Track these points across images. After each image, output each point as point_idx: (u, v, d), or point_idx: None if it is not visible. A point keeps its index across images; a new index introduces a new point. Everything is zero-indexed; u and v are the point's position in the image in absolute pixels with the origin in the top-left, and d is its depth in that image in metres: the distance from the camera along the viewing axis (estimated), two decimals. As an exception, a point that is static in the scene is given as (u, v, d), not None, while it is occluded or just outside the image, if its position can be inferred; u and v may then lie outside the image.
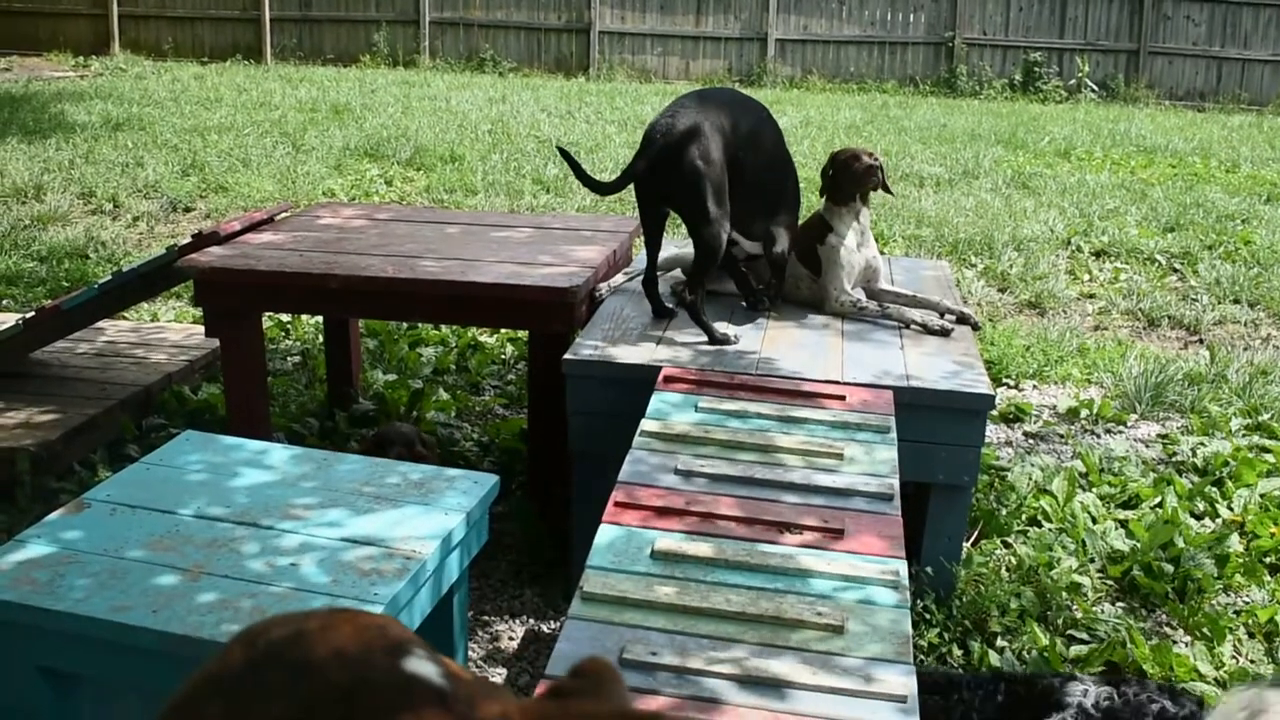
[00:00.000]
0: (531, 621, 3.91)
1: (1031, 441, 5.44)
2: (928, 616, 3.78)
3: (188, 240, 4.70)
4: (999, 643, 3.71)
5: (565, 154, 4.12)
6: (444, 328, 6.48)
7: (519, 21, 18.66)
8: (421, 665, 1.25)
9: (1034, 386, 6.12)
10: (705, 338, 4.04)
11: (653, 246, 4.23)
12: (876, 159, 4.36)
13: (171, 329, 6.11)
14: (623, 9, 18.37)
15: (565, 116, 13.83)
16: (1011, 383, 6.12)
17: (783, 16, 18.13)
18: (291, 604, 2.52)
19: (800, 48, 18.27)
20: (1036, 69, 17.66)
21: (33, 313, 5.08)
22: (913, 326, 4.25)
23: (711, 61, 18.39)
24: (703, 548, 2.71)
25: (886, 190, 4.45)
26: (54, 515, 2.88)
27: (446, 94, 15.35)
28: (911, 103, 16.42)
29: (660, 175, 3.95)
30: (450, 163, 10.77)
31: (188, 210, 9.22)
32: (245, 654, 1.31)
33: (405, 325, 6.48)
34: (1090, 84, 17.56)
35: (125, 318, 6.37)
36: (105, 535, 2.78)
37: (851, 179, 4.34)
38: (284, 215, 5.21)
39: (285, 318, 6.62)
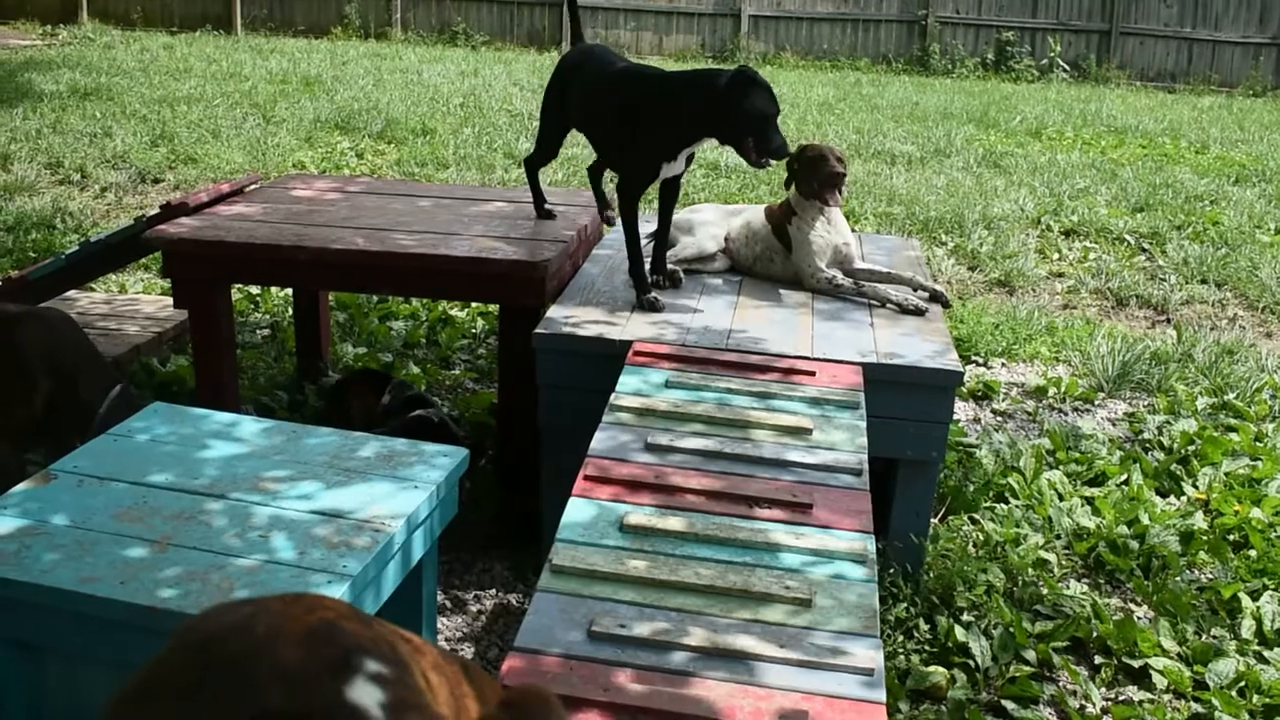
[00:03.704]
0: (501, 595, 3.91)
1: (999, 419, 5.47)
2: (895, 591, 3.80)
3: (156, 211, 4.67)
4: (965, 618, 3.73)
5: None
6: (414, 301, 6.46)
7: (492, -6, 18.57)
8: (365, 694, 1.23)
9: (1003, 364, 6.16)
10: (681, 313, 4.09)
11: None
12: (844, 166, 4.35)
13: (144, 300, 6.06)
14: (596, -17, 18.31)
15: (537, 90, 13.76)
16: (980, 360, 6.16)
17: (756, -8, 18.11)
18: (260, 577, 2.51)
19: (774, 24, 18.25)
20: (1009, 48, 17.70)
21: (-1, 282, 5.03)
22: (889, 305, 4.26)
23: (685, 37, 18.35)
24: (673, 522, 2.72)
25: (835, 204, 4.41)
26: (21, 486, 2.86)
27: (418, 67, 15.27)
28: (884, 80, 16.43)
29: None
30: (421, 136, 10.73)
31: (156, 181, 9.14)
32: (189, 658, 1.29)
33: (375, 299, 6.45)
34: (1062, 64, 17.61)
35: (93, 289, 6.32)
36: (73, 506, 2.76)
37: (815, 179, 4.34)
38: (254, 187, 5.18)
39: (255, 290, 6.58)
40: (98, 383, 3.92)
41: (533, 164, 4.76)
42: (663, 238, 4.35)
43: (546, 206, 4.77)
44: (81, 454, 3.08)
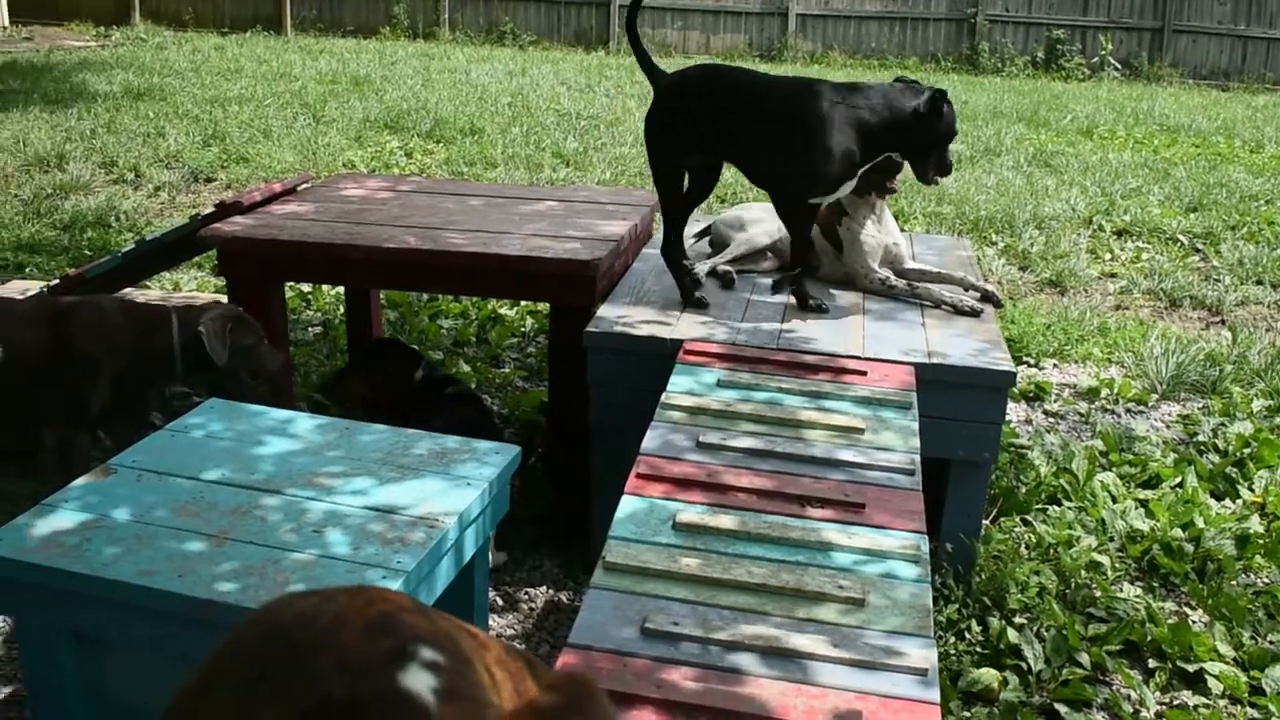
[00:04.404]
0: (551, 592, 3.93)
1: (1051, 420, 5.43)
2: (946, 592, 3.78)
3: (210, 210, 4.72)
4: (1017, 620, 3.71)
5: None
6: (464, 300, 6.49)
7: (539, -6, 18.64)
8: (419, 680, 1.25)
9: (1054, 365, 6.11)
10: (731, 311, 4.10)
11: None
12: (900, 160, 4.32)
13: (198, 298, 6.12)
14: (643, -18, 18.30)
15: (585, 90, 13.81)
16: (1032, 361, 6.11)
17: (804, -9, 18.06)
18: (315, 571, 2.53)
19: (821, 22, 18.20)
20: (1059, 46, 17.56)
21: (57, 280, 5.09)
22: (943, 306, 4.23)
23: (732, 36, 18.33)
24: (725, 520, 2.72)
25: (894, 188, 4.41)
26: (81, 481, 2.90)
27: (466, 66, 15.34)
28: (933, 79, 16.31)
29: None
30: (470, 135, 10.77)
31: (209, 180, 9.24)
32: (256, 644, 1.33)
33: (425, 297, 6.49)
34: (1113, 62, 17.45)
35: (148, 286, 6.39)
36: (132, 501, 2.79)
37: (872, 178, 4.30)
38: (305, 186, 5.22)
39: (306, 288, 6.63)
40: (162, 361, 3.98)
41: (670, 244, 4.22)
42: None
43: (699, 294, 4.23)
44: (139, 449, 3.12)
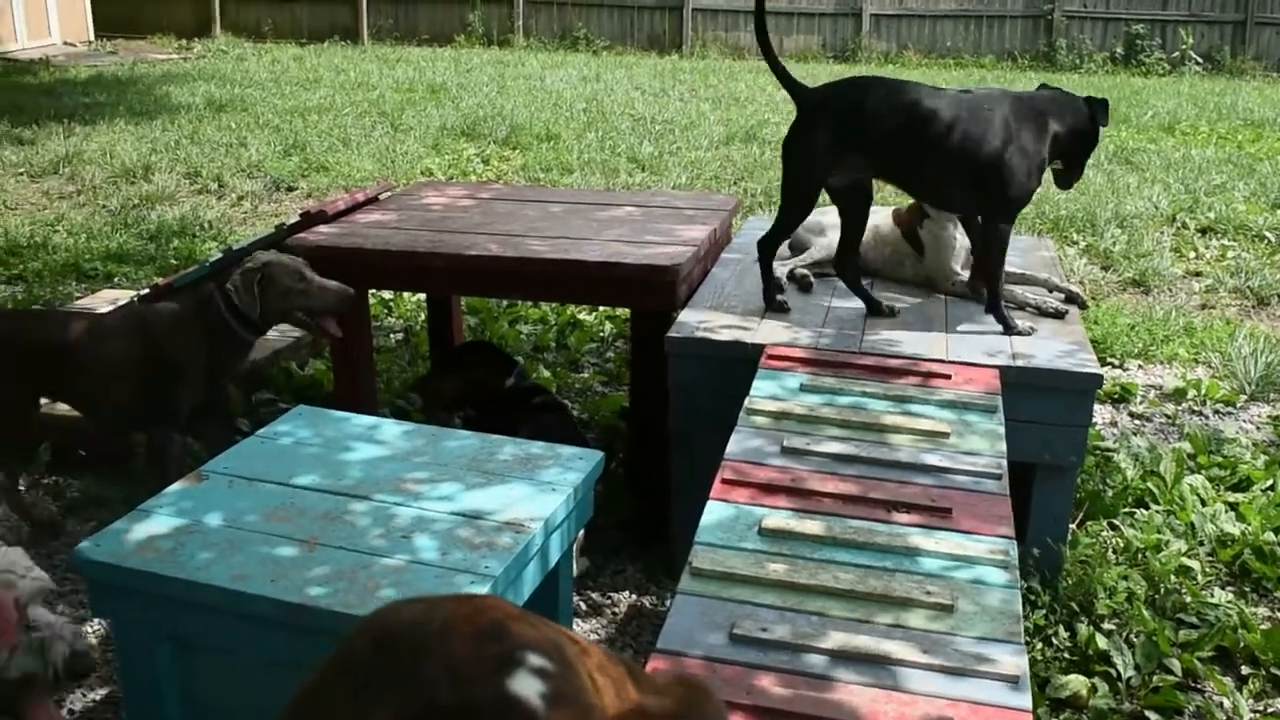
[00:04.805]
0: (634, 596, 3.94)
1: (1137, 422, 5.36)
2: (1033, 598, 3.74)
3: (295, 219, 4.79)
4: (1106, 626, 3.66)
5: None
6: (543, 305, 6.53)
7: (612, 0, 18.68)
8: (526, 685, 1.27)
9: (1139, 366, 6.02)
10: (813, 315, 4.08)
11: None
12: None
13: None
14: (716, -15, 18.32)
15: (659, 94, 13.84)
16: (1116, 362, 6.03)
17: (878, -9, 17.96)
18: (405, 576, 2.56)
19: (895, 22, 18.09)
20: (1139, 41, 17.31)
21: (147, 290, 5.20)
22: (1026, 308, 4.19)
23: (805, 37, 18.27)
24: (811, 525, 2.72)
25: None
26: (175, 486, 2.96)
27: (541, 73, 15.43)
28: (1010, 77, 16.16)
29: None
30: (546, 141, 10.83)
31: (290, 189, 9.38)
32: (366, 651, 1.36)
33: (505, 302, 6.54)
34: (1194, 56, 17.17)
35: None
36: (224, 506, 2.85)
37: None
38: (388, 194, 5.28)
39: (388, 295, 6.71)
40: (226, 342, 4.01)
41: (773, 242, 4.17)
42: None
43: (780, 298, 4.19)
44: (230, 455, 3.18)
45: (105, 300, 6.01)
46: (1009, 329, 3.95)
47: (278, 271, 3.90)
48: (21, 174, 9.81)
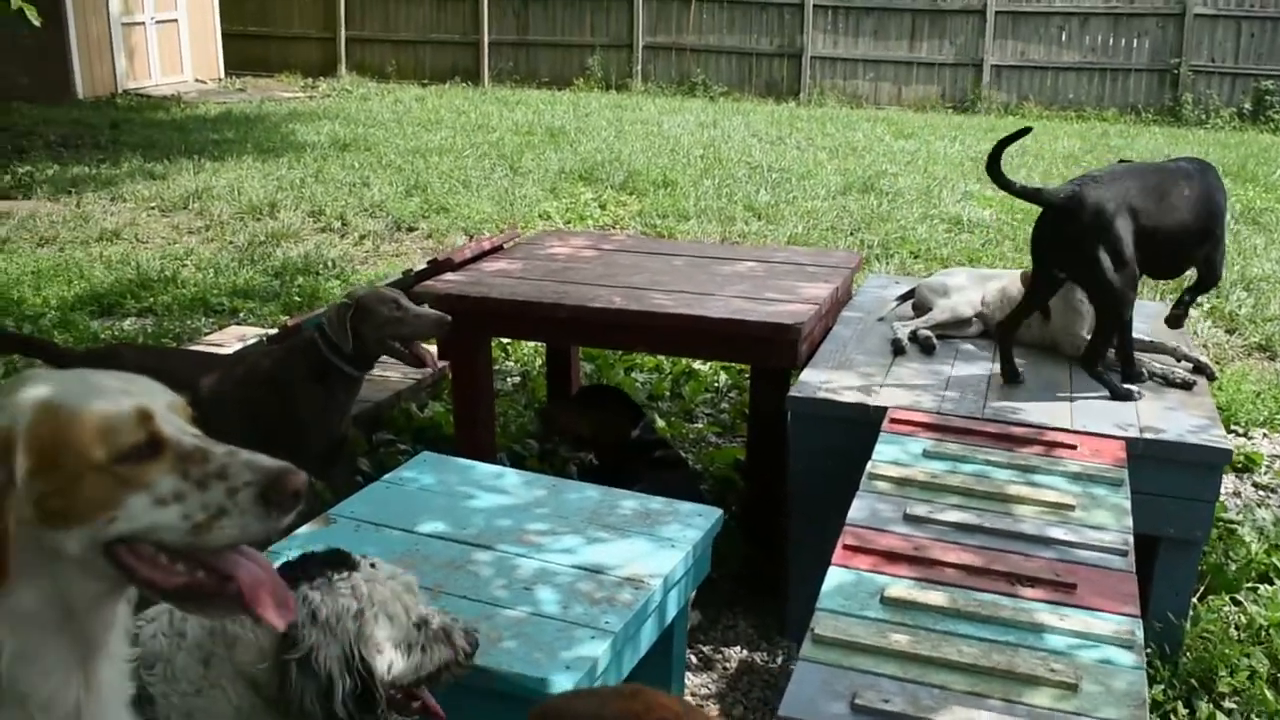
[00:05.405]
0: (745, 652, 3.94)
1: (1262, 494, 5.23)
2: (1152, 672, 3.67)
3: (422, 266, 4.90)
4: (1227, 704, 3.58)
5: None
6: (659, 355, 6.56)
7: (730, 46, 18.80)
8: None
9: (1264, 435, 5.88)
10: (935, 378, 4.05)
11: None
12: None
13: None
14: (835, 33, 18.33)
15: (776, 142, 13.87)
16: (1241, 430, 5.90)
17: (999, 42, 17.81)
18: (526, 629, 2.60)
19: (1016, 73, 17.92)
20: (1268, 98, 16.92)
21: (275, 330, 5.35)
22: (1154, 378, 4.13)
23: (924, 87, 18.19)
24: (934, 596, 2.71)
25: None
26: (303, 529, 3.04)
27: (658, 118, 15.55)
28: (1133, 132, 15.92)
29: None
30: (663, 187, 10.91)
31: (410, 230, 9.56)
32: None
33: (621, 351, 6.59)
34: (1326, 114, 16.74)
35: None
36: (351, 550, 2.91)
37: None
38: (512, 243, 5.37)
39: (506, 340, 6.80)
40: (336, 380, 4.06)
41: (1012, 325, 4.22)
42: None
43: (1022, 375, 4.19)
44: (356, 500, 3.26)
45: (233, 337, 6.20)
46: (1114, 393, 3.94)
47: (371, 303, 3.95)
48: (153, 208, 10.14)
